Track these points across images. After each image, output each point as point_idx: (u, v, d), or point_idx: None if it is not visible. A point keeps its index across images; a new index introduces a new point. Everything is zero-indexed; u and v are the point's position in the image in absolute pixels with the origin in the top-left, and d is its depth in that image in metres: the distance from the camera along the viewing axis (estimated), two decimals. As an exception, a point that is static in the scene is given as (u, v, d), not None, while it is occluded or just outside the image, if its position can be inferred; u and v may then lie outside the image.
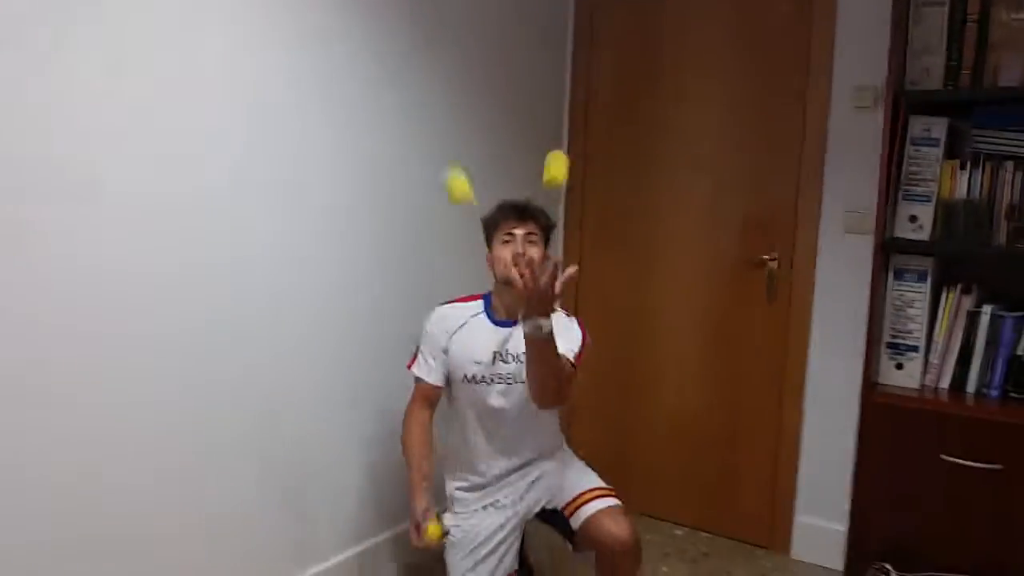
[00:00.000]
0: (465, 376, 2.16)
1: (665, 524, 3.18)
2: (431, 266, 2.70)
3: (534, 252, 2.11)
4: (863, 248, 2.54)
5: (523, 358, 2.00)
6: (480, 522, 2.18)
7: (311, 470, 2.38)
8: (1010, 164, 2.29)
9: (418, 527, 2.05)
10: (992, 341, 2.32)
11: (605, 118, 3.31)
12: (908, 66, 2.42)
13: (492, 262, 2.19)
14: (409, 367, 2.24)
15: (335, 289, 2.38)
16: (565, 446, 2.35)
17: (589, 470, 2.27)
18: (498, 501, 2.20)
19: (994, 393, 2.32)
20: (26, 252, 1.64)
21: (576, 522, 2.13)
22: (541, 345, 1.84)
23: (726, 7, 3.02)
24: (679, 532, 3.15)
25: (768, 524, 3.00)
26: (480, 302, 2.24)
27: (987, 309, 2.33)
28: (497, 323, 2.19)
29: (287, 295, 2.23)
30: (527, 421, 2.19)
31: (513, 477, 2.22)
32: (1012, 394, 2.30)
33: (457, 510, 2.23)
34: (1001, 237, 2.29)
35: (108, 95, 1.75)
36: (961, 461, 2.21)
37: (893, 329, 2.45)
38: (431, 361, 2.20)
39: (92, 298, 1.77)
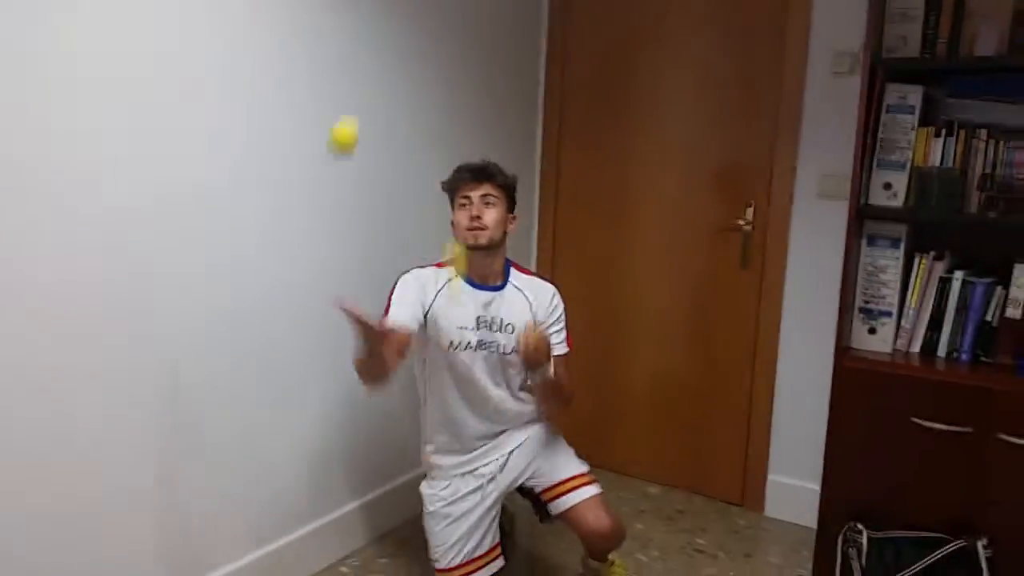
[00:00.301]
0: (451, 343, 2.11)
1: (640, 482, 3.25)
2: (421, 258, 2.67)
3: (492, 214, 2.10)
4: (837, 214, 2.56)
5: (509, 328, 2.13)
6: (459, 489, 2.18)
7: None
8: (983, 133, 2.32)
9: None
10: (963, 307, 2.38)
11: (581, 88, 3.28)
12: (886, 33, 2.42)
13: (455, 227, 2.16)
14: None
15: (323, 286, 2.39)
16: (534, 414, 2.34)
17: (570, 451, 2.32)
18: (477, 469, 2.21)
19: (964, 357, 2.38)
20: (25, 249, 1.65)
21: (555, 509, 2.21)
22: (546, 382, 2.10)
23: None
24: (653, 490, 3.22)
25: (742, 483, 3.08)
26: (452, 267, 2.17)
27: (958, 275, 2.38)
28: (475, 286, 2.14)
29: (275, 294, 2.25)
30: (511, 391, 2.21)
31: (494, 443, 2.23)
32: (982, 358, 2.37)
33: (435, 476, 2.23)
34: (973, 205, 2.33)
35: (105, 94, 1.75)
36: (931, 424, 2.27)
37: (866, 294, 2.49)
38: (408, 303, 2.06)
39: (87, 298, 1.77)
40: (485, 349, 2.14)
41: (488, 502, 2.20)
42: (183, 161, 1.94)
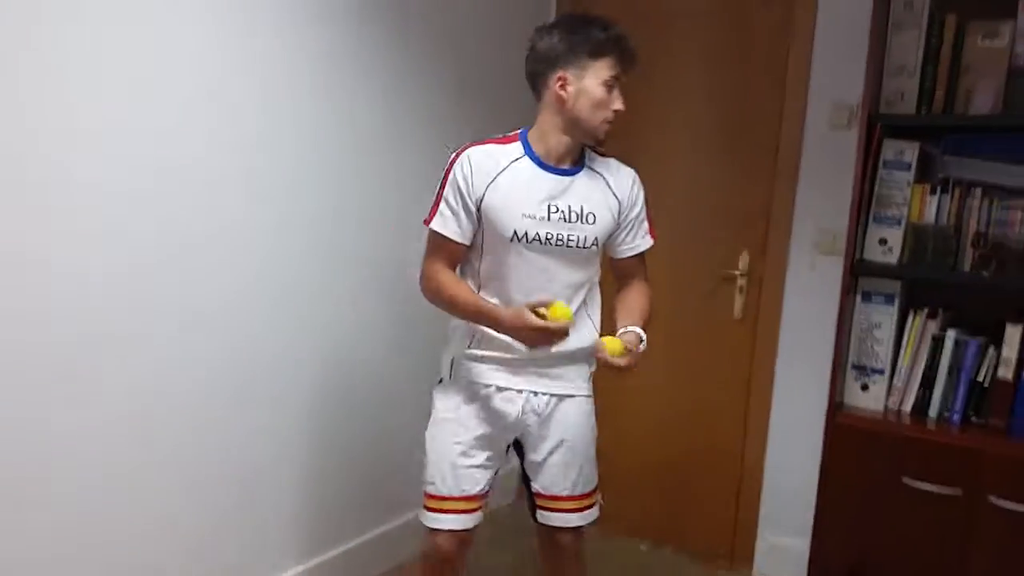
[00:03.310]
0: (516, 234, 1.80)
1: (626, 539, 3.17)
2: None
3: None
4: (832, 268, 2.54)
5: (590, 218, 1.86)
6: (479, 412, 1.91)
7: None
8: (978, 191, 2.31)
9: (536, 312, 1.71)
10: (955, 366, 2.33)
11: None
12: (884, 88, 2.42)
13: (570, 96, 1.79)
14: (427, 222, 1.87)
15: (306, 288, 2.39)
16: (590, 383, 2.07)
17: (591, 464, 2.07)
18: (510, 391, 1.92)
19: (955, 417, 2.33)
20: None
21: (540, 516, 2.03)
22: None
23: (705, 20, 3.01)
24: (643, 547, 3.15)
25: (731, 540, 3.01)
26: (518, 144, 1.87)
27: (951, 334, 2.34)
28: (547, 168, 1.84)
29: (249, 296, 2.23)
30: (583, 293, 1.96)
31: (540, 364, 1.92)
32: (973, 419, 2.32)
33: (460, 375, 1.94)
34: (967, 263, 2.31)
35: (83, 92, 1.76)
36: (922, 485, 2.22)
37: (859, 351, 2.46)
38: (460, 213, 1.82)
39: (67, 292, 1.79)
40: (563, 245, 1.83)
41: (499, 446, 1.95)
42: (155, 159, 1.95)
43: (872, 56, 2.33)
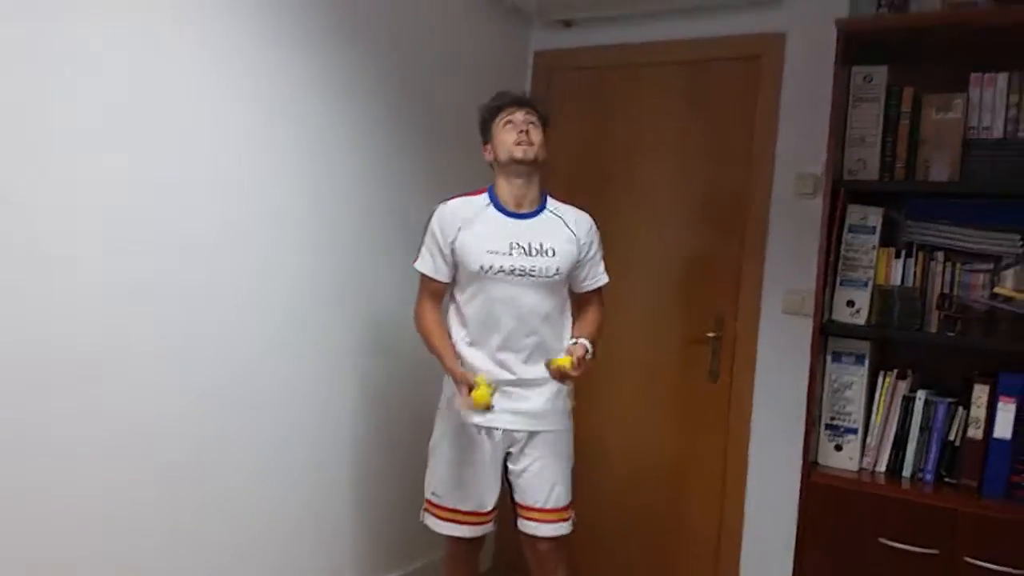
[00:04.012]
0: (482, 268, 2.13)
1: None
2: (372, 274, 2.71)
3: (536, 134, 2.19)
4: (803, 329, 2.59)
5: (550, 251, 2.17)
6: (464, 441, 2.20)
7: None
8: (940, 255, 2.39)
9: (469, 388, 2.04)
10: (926, 426, 2.38)
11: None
12: (846, 157, 2.52)
13: (493, 150, 2.22)
14: (414, 263, 2.25)
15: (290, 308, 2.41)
16: (569, 402, 2.34)
17: (566, 478, 2.30)
18: (491, 428, 2.20)
19: (928, 477, 2.37)
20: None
21: (520, 524, 2.26)
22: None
23: (675, 98, 3.13)
24: (621, 610, 3.12)
25: (710, 602, 2.99)
26: (485, 195, 2.24)
27: (921, 395, 2.39)
28: (508, 214, 2.20)
29: (238, 321, 2.24)
30: (550, 322, 2.22)
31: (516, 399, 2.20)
32: (946, 478, 2.35)
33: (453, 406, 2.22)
34: (933, 324, 2.38)
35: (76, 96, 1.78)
36: (898, 545, 2.24)
37: (832, 410, 2.50)
38: (437, 256, 2.19)
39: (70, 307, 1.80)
40: (526, 276, 2.15)
41: (497, 450, 2.22)
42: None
43: (834, 127, 2.43)
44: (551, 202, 2.30)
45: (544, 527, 2.24)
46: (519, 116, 2.19)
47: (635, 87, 3.19)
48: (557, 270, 2.18)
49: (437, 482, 2.26)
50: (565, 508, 2.28)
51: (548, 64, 3.35)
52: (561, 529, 2.26)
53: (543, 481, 2.24)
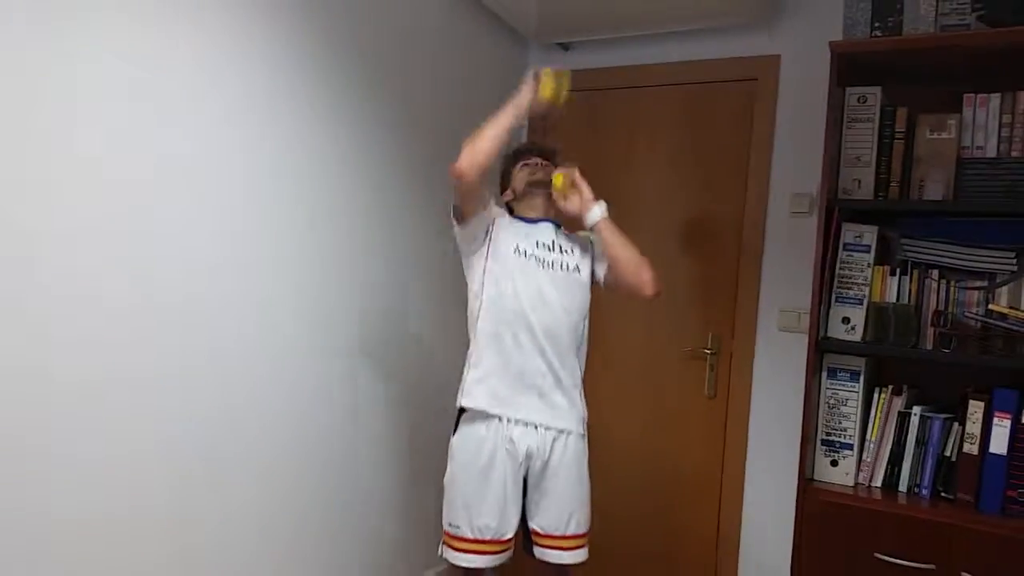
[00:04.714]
0: (516, 247, 2.24)
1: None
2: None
3: (550, 170, 2.35)
4: (799, 346, 2.62)
5: (571, 250, 2.32)
6: (493, 440, 2.19)
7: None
8: (935, 272, 2.42)
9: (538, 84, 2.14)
10: (921, 441, 2.40)
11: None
12: (841, 176, 2.55)
13: (511, 192, 2.39)
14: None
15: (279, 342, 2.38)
16: (585, 432, 2.31)
17: (585, 502, 2.28)
18: (518, 416, 2.20)
19: (925, 492, 2.38)
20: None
21: (539, 553, 2.25)
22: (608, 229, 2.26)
23: (672, 120, 3.17)
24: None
25: (707, 620, 2.98)
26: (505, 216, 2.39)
27: (916, 410, 2.41)
28: (529, 222, 2.34)
29: (240, 348, 2.23)
30: (563, 328, 2.23)
31: (539, 395, 2.21)
32: (942, 493, 2.37)
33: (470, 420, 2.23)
34: (928, 341, 2.40)
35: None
36: (895, 560, 2.24)
37: (827, 426, 2.51)
38: (486, 194, 2.26)
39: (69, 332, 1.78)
40: (549, 268, 2.25)
41: (516, 471, 2.21)
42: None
43: (829, 147, 2.46)
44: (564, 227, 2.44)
45: (567, 555, 2.23)
46: (534, 160, 2.38)
47: (632, 108, 3.23)
48: (577, 267, 2.30)
49: (455, 513, 2.22)
50: (585, 535, 2.28)
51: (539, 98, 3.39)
52: (581, 556, 2.26)
53: (563, 507, 2.23)
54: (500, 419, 2.20)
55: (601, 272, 2.34)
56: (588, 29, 3.17)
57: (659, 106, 3.19)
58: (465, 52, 3.05)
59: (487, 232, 2.28)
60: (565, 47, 3.36)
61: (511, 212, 2.39)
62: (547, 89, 2.14)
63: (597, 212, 2.27)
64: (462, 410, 2.25)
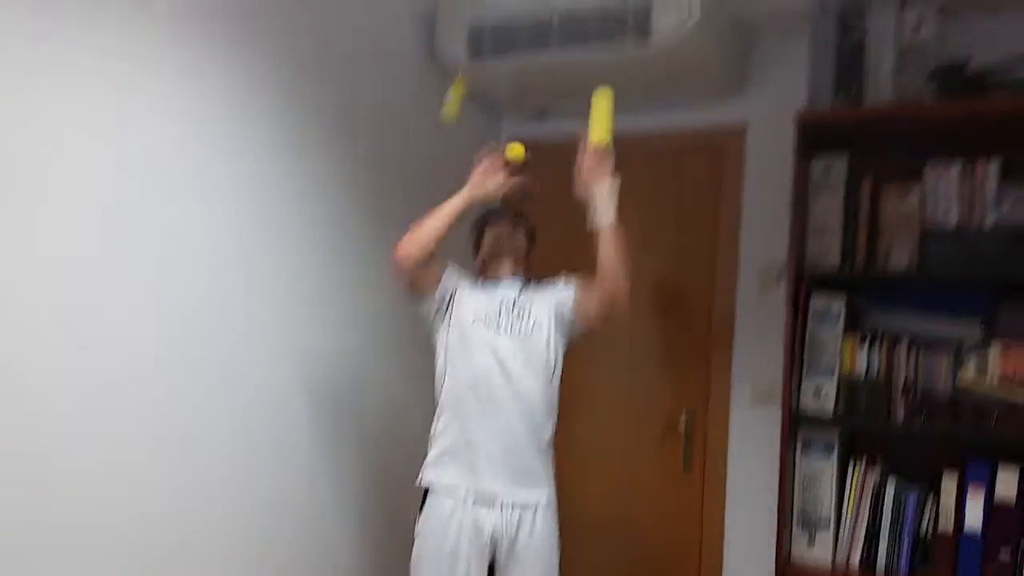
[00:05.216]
0: (477, 316, 2.21)
1: None
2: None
3: (520, 236, 2.36)
4: (772, 418, 2.57)
5: (532, 312, 2.25)
6: (459, 520, 2.12)
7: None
8: (904, 342, 2.39)
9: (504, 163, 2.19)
10: (897, 517, 2.34)
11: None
12: (808, 246, 2.54)
13: (481, 254, 2.39)
14: None
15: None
16: (553, 503, 2.26)
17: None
18: (483, 492, 2.14)
19: (902, 570, 2.32)
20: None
21: None
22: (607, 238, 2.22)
23: (640, 192, 3.15)
24: None
25: None
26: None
27: (891, 484, 2.36)
28: (495, 284, 2.33)
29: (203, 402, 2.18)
30: (527, 395, 2.18)
31: (504, 467, 2.15)
32: (919, 570, 2.30)
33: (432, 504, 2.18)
34: (900, 413, 2.36)
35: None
36: (874, 642, 2.18)
37: (803, 501, 2.46)
38: (437, 266, 2.26)
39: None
40: (509, 332, 2.21)
41: (476, 551, 2.13)
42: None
43: (796, 217, 2.47)
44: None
45: None
46: (503, 222, 2.38)
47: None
48: (538, 322, 2.24)
49: None
50: None
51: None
52: None
53: None
54: (464, 498, 2.15)
55: (571, 301, 2.27)
56: (555, 100, 3.20)
57: (629, 174, 3.18)
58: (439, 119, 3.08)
59: (447, 304, 2.27)
60: (540, 116, 3.39)
61: (484, 273, 2.39)
62: (512, 151, 2.23)
63: (605, 216, 2.24)
64: (426, 488, 2.21)
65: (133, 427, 1.99)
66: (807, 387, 2.48)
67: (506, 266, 2.35)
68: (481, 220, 2.43)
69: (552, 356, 2.25)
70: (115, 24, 1.91)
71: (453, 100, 2.38)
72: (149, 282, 2.02)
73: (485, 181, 2.23)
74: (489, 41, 2.73)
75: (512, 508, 2.16)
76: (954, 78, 2.29)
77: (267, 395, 2.38)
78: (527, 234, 2.42)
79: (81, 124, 1.85)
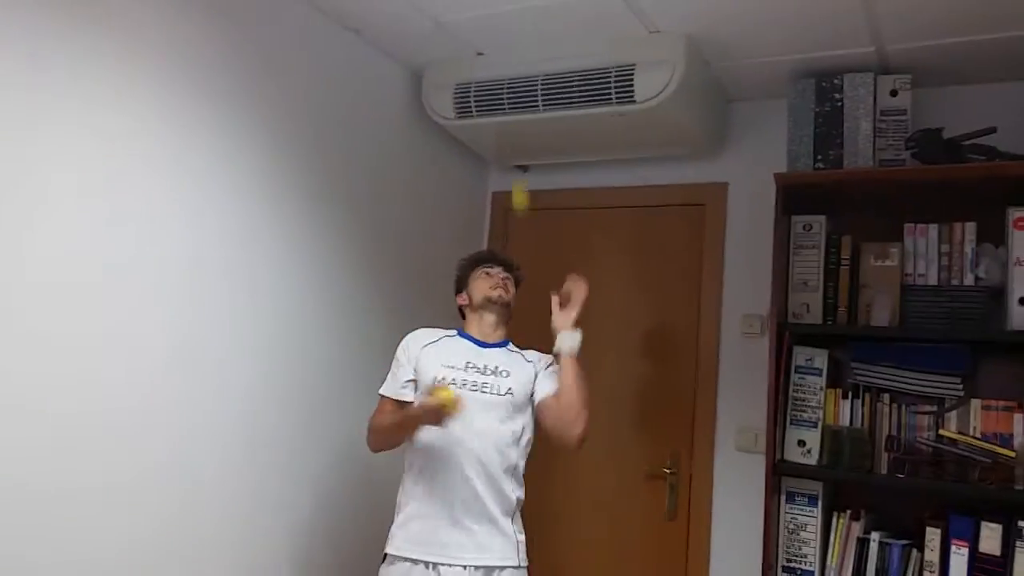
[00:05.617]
0: (435, 378, 2.18)
1: None
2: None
3: (510, 285, 2.35)
4: (757, 467, 2.61)
5: (504, 373, 2.23)
6: None
7: None
8: (886, 396, 2.46)
9: (440, 405, 2.03)
10: (882, 569, 2.38)
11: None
12: (790, 300, 2.61)
13: (467, 298, 2.37)
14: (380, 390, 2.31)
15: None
16: (523, 555, 2.23)
17: None
18: (448, 551, 2.11)
19: (889, 623, 2.35)
20: None
21: None
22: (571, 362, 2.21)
23: (625, 245, 3.23)
24: None
25: None
26: (454, 330, 2.37)
27: (875, 536, 2.40)
28: (473, 341, 2.31)
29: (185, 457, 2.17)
30: (500, 458, 2.17)
31: (468, 526, 2.13)
32: (906, 624, 2.34)
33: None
34: (883, 466, 2.41)
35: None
36: None
37: (788, 552, 2.49)
38: (399, 374, 2.26)
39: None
40: (477, 391, 2.18)
41: None
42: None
43: (777, 272, 2.53)
44: (511, 345, 2.38)
45: None
46: (497, 271, 2.36)
47: (587, 228, 3.29)
48: (510, 389, 2.21)
49: None
50: None
51: (506, 204, 3.46)
52: None
53: None
54: (426, 565, 2.11)
55: (540, 395, 2.25)
56: (540, 156, 3.27)
57: (613, 227, 3.26)
58: (430, 170, 3.13)
59: (411, 377, 2.26)
60: (523, 168, 3.45)
61: (463, 316, 2.39)
62: (517, 198, 2.41)
63: (570, 343, 2.24)
64: (386, 555, 2.18)
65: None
66: (791, 438, 2.53)
67: (490, 323, 2.33)
68: (471, 262, 2.42)
69: (522, 419, 2.25)
70: (105, 76, 1.93)
71: (518, 201, 2.48)
72: (138, 334, 2.02)
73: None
74: (475, 100, 2.80)
75: (476, 570, 2.12)
76: (932, 144, 2.38)
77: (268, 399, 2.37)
78: (516, 284, 2.40)
79: (70, 177, 1.86)
